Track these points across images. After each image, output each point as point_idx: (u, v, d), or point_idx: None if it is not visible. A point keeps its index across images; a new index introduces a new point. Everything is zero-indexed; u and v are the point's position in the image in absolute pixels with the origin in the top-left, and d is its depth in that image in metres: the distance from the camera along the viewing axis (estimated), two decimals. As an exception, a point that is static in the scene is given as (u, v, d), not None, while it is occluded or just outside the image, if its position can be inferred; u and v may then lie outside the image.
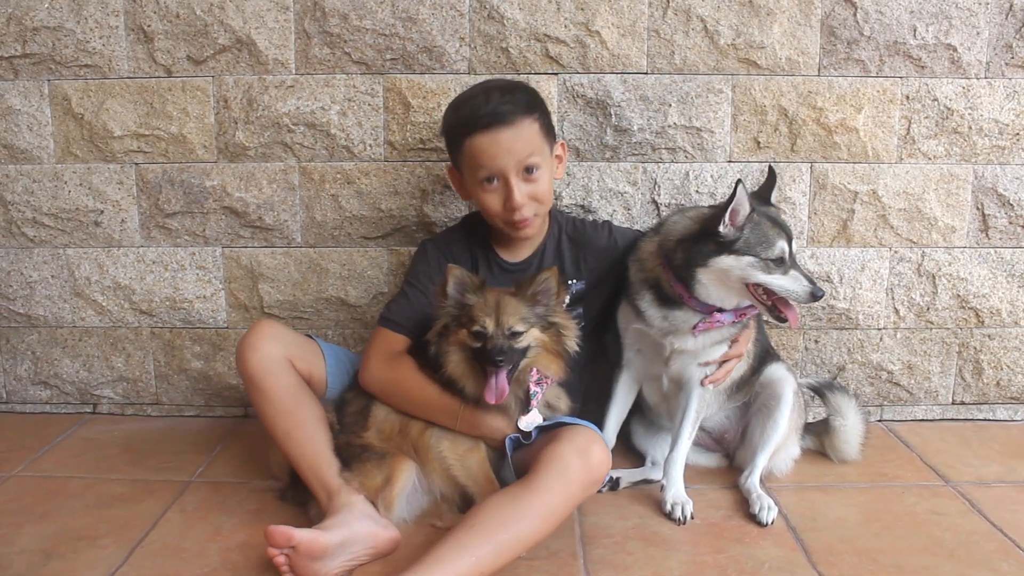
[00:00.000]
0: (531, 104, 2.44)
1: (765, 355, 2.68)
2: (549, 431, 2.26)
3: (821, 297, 2.26)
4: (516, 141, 2.37)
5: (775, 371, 2.64)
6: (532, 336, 2.22)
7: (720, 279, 2.30)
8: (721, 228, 2.25)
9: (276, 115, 2.89)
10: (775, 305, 2.30)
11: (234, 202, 2.95)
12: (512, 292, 2.25)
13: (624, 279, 2.52)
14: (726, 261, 2.27)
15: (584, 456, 2.13)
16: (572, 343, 2.30)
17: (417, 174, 2.91)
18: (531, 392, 2.26)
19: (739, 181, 2.22)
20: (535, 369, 2.25)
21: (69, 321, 3.07)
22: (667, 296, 2.38)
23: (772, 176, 2.45)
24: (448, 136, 2.52)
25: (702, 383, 2.47)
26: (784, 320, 2.30)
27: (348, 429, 2.35)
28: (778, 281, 2.25)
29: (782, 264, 2.26)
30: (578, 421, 2.32)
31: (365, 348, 2.47)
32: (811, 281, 2.26)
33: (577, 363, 2.36)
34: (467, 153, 2.42)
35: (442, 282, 2.24)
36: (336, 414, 2.39)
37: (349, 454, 2.29)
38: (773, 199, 2.43)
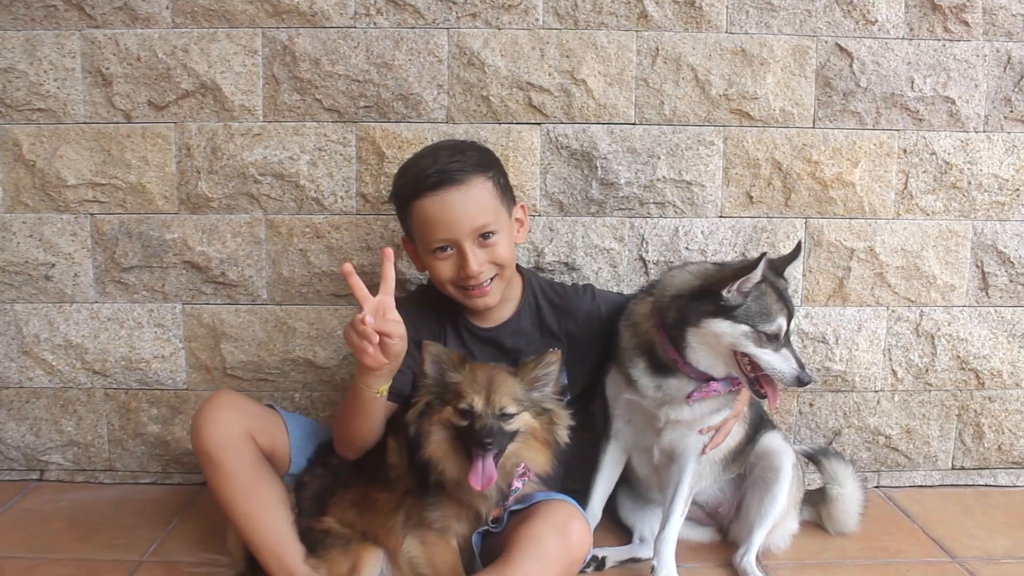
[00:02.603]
0: (483, 163, 2.31)
1: (760, 422, 2.55)
2: (522, 510, 2.12)
3: (807, 384, 2.14)
4: (468, 203, 2.23)
5: (772, 441, 2.52)
6: (523, 420, 2.06)
7: (710, 344, 2.16)
8: (725, 292, 2.11)
9: (242, 164, 2.74)
10: (758, 379, 2.16)
11: (196, 256, 2.79)
12: (511, 370, 2.11)
13: (613, 346, 2.36)
14: (721, 326, 2.12)
15: (562, 535, 2.01)
16: (563, 434, 2.14)
17: (391, 228, 2.76)
18: (512, 487, 2.10)
19: (764, 255, 2.10)
20: (523, 463, 2.08)
21: (15, 381, 2.88)
22: (661, 363, 2.24)
23: (796, 251, 2.32)
24: (397, 202, 2.38)
25: (703, 451, 2.32)
26: (763, 396, 2.18)
27: (306, 513, 2.19)
28: (767, 357, 2.12)
29: (775, 340, 2.13)
30: (554, 495, 2.17)
31: None
32: (801, 365, 2.13)
33: (562, 453, 2.19)
34: (416, 218, 2.28)
35: (420, 361, 2.10)
36: (295, 495, 2.24)
37: (312, 539, 2.14)
38: (787, 274, 2.29)
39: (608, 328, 2.43)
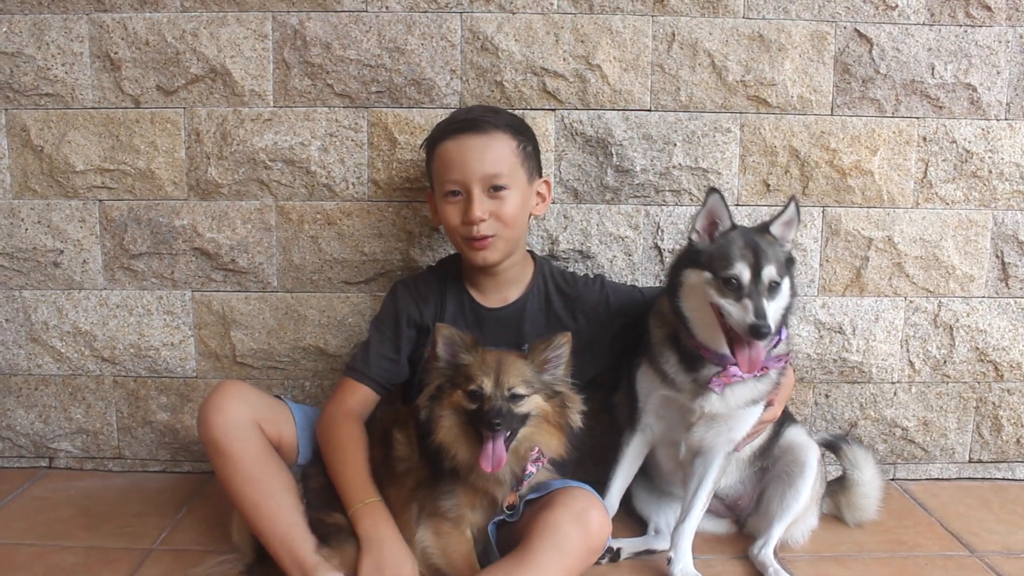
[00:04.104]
0: (513, 125, 2.34)
1: (784, 417, 2.49)
2: (539, 499, 2.10)
3: (765, 335, 1.96)
4: (485, 151, 2.27)
5: (796, 436, 2.48)
6: (534, 403, 2.03)
7: (692, 305, 2.13)
8: (692, 235, 2.12)
9: (252, 150, 2.70)
10: (730, 338, 2.06)
11: (205, 243, 2.75)
12: (520, 354, 2.09)
13: (644, 341, 2.32)
14: (691, 275, 2.11)
15: (582, 523, 1.98)
16: (576, 418, 2.11)
17: (403, 215, 2.72)
18: (527, 472, 2.06)
19: (713, 189, 2.12)
20: (537, 447, 2.05)
21: (24, 368, 2.85)
22: (690, 354, 2.19)
23: (786, 206, 2.18)
24: (427, 149, 2.43)
25: (736, 448, 2.28)
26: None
27: (314, 505, 2.15)
28: (728, 306, 2.03)
29: (738, 289, 2.03)
30: (571, 483, 2.15)
31: None
32: (761, 316, 1.97)
33: (577, 440, 2.17)
34: (436, 161, 2.35)
35: (432, 341, 2.08)
36: (302, 485, 2.20)
37: (323, 531, 2.10)
38: (780, 232, 2.16)
39: (615, 319, 2.42)
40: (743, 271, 2.04)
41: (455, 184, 2.28)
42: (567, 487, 2.11)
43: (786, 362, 2.24)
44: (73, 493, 2.75)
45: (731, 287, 2.04)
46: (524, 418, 2.02)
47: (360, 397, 2.33)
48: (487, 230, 2.27)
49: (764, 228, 2.18)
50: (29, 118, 2.71)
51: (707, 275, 2.07)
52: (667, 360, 2.22)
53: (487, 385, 1.99)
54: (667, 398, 2.28)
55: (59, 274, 2.79)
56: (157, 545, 2.42)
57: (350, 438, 2.20)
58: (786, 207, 2.17)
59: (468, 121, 2.31)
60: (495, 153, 2.28)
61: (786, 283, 2.12)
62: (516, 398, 2.00)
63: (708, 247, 2.10)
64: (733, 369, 2.14)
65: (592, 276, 2.56)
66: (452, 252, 2.62)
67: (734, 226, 2.12)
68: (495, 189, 2.27)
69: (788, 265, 2.14)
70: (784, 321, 2.17)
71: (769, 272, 2.05)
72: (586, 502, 2.04)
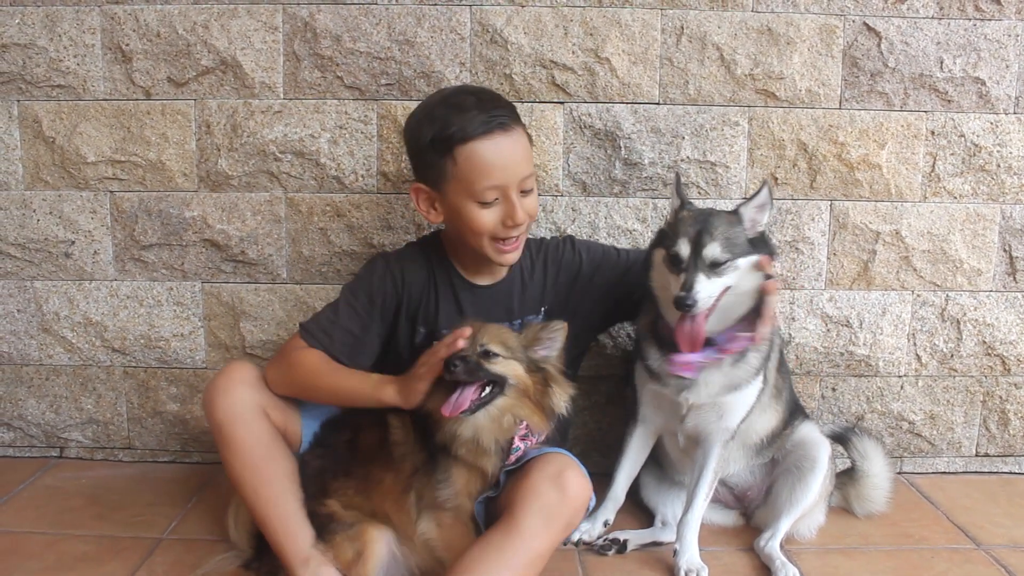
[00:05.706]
0: (517, 115, 2.30)
1: (795, 409, 2.52)
2: (518, 470, 2.10)
3: (688, 307, 2.02)
4: (517, 151, 2.20)
5: (809, 432, 2.48)
6: (511, 368, 2.03)
7: (659, 283, 2.18)
8: (665, 224, 2.21)
9: (262, 142, 2.71)
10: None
11: (215, 234, 2.76)
12: (516, 331, 2.13)
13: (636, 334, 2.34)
14: (656, 254, 2.19)
15: (559, 485, 1.98)
16: (560, 404, 2.09)
17: (412, 208, 2.72)
18: (514, 446, 2.07)
19: (676, 174, 2.29)
20: (525, 423, 2.06)
21: (36, 359, 2.87)
22: (667, 343, 2.19)
23: (759, 190, 2.17)
24: (431, 147, 2.18)
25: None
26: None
27: (308, 492, 2.16)
28: (671, 280, 2.12)
29: (678, 264, 2.09)
30: (548, 449, 2.14)
31: None
32: (687, 288, 2.02)
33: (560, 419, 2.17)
34: (464, 163, 2.14)
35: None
36: (300, 474, 2.21)
37: (317, 523, 2.10)
38: (751, 215, 2.16)
39: (595, 276, 2.43)
40: (685, 248, 2.09)
41: (494, 189, 2.16)
42: (543, 453, 2.10)
43: (749, 342, 2.18)
44: (84, 483, 2.77)
45: (674, 263, 2.10)
46: (501, 383, 2.01)
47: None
48: (523, 230, 2.25)
49: (734, 210, 2.19)
50: (41, 109, 2.72)
51: (663, 252, 2.15)
52: (650, 353, 2.25)
53: (465, 344, 2.01)
54: (657, 393, 2.30)
55: (70, 265, 2.81)
56: (167, 534, 2.44)
57: (313, 356, 2.23)
58: (759, 190, 2.17)
59: (494, 118, 2.15)
60: (523, 152, 2.21)
61: (746, 262, 2.12)
62: (489, 355, 2.01)
63: (667, 226, 2.19)
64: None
65: (560, 239, 2.50)
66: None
67: (683, 206, 2.19)
68: (525, 188, 2.22)
69: (755, 246, 2.14)
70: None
71: (712, 250, 2.08)
72: (561, 464, 2.03)
